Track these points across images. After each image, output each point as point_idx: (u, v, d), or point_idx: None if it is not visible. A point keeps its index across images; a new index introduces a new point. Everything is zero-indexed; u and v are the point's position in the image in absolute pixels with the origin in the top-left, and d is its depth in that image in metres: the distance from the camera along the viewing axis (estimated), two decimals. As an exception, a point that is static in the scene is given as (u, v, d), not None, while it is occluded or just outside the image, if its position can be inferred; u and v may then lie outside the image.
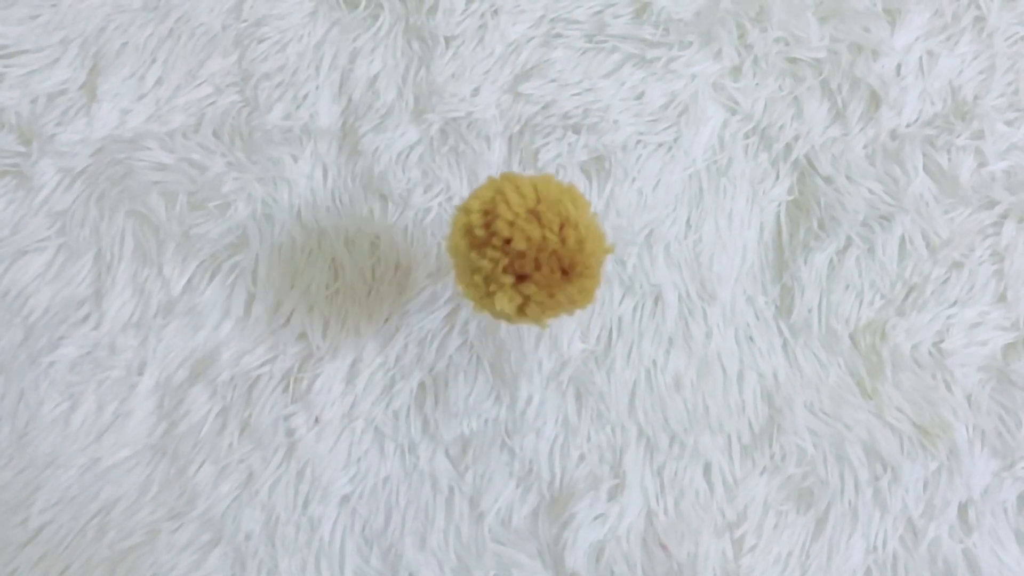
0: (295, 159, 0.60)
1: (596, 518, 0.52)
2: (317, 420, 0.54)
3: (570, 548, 0.52)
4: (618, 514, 0.52)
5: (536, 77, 0.61)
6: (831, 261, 0.57)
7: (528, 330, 0.56)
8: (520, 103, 0.60)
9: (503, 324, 0.56)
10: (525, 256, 0.42)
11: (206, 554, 0.52)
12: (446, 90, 0.61)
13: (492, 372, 0.55)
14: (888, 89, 0.59)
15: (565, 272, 0.43)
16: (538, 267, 0.42)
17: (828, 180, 0.58)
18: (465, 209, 0.45)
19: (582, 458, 0.54)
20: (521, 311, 0.44)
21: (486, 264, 0.43)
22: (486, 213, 0.44)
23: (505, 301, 0.43)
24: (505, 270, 0.42)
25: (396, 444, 0.54)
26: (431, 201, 0.58)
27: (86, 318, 0.56)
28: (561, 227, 0.43)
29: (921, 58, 0.61)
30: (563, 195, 0.45)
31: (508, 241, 0.43)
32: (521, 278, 0.43)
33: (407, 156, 0.59)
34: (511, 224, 0.43)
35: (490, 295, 0.43)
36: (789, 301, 0.56)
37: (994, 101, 0.59)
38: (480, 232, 0.43)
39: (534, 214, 0.43)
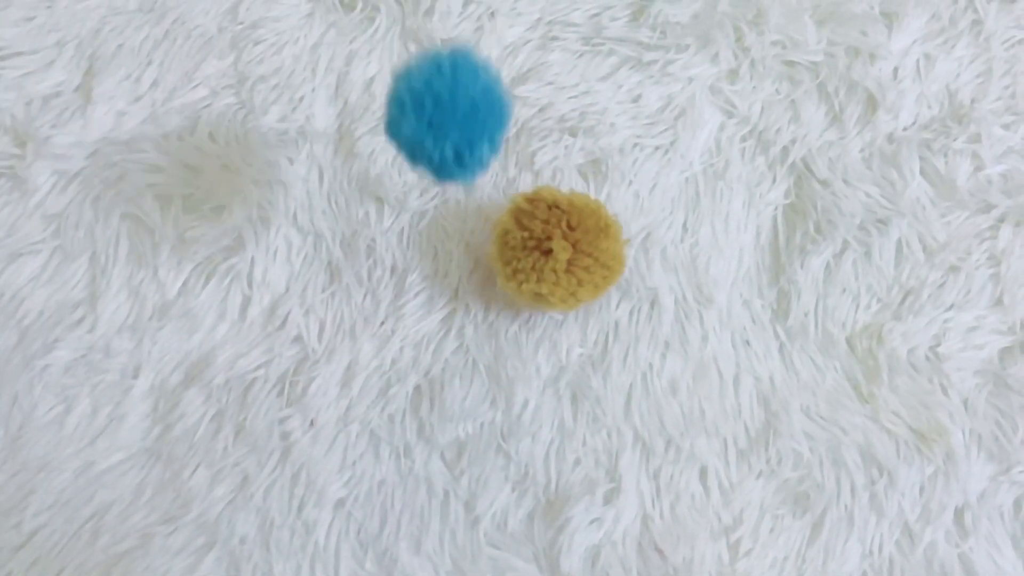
0: (291, 162, 0.59)
1: (592, 522, 0.52)
2: (312, 423, 0.54)
3: (566, 552, 0.51)
4: (614, 518, 0.52)
5: (533, 80, 0.61)
6: (828, 265, 0.57)
7: (526, 334, 0.56)
8: (517, 106, 0.60)
9: (501, 329, 0.56)
10: (570, 212, 0.50)
11: (200, 558, 0.51)
12: (442, 93, 0.61)
13: (488, 376, 0.55)
14: (885, 92, 0.59)
15: (602, 230, 0.51)
16: (581, 220, 0.50)
17: (825, 184, 0.58)
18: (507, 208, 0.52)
19: (578, 462, 0.53)
20: (571, 265, 0.50)
21: (537, 224, 0.50)
22: (529, 199, 0.51)
23: (560, 249, 0.49)
24: (554, 226, 0.50)
25: (391, 448, 0.54)
26: (427, 204, 0.58)
27: (81, 321, 0.56)
28: (595, 201, 0.52)
29: (918, 61, 0.61)
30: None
31: (552, 206, 0.50)
32: (566, 231, 0.50)
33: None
34: (552, 193, 0.51)
35: (544, 252, 0.50)
36: (785, 305, 0.56)
37: (991, 105, 0.59)
38: (526, 207, 0.51)
39: (571, 195, 0.52)
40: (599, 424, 0.54)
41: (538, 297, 0.51)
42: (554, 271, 0.50)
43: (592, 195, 0.58)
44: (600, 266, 0.51)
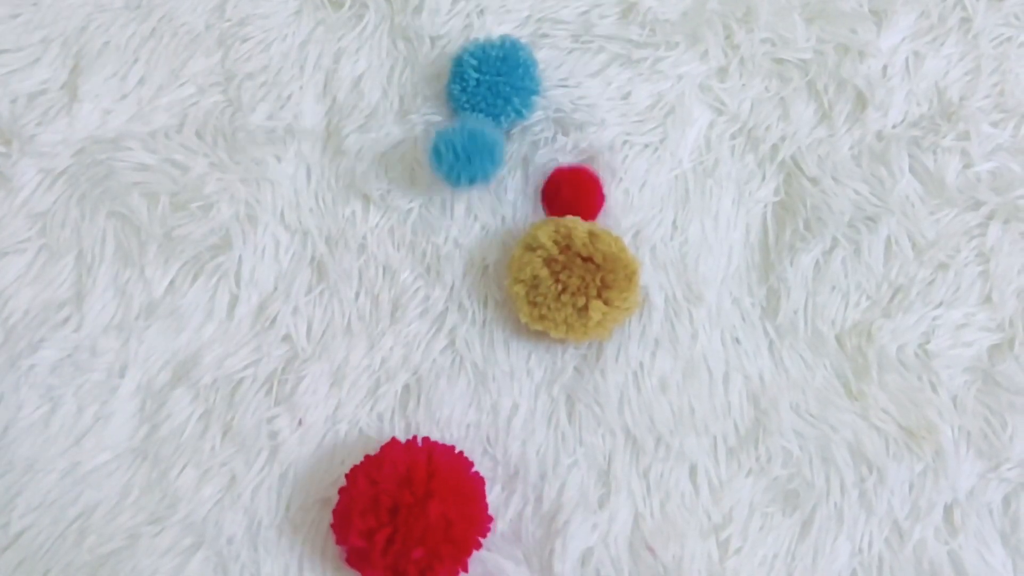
0: (278, 159, 0.59)
1: (587, 526, 0.52)
2: (300, 423, 0.54)
3: (559, 556, 0.51)
4: (608, 520, 0.52)
5: (522, 77, 0.60)
6: (817, 262, 0.57)
7: (516, 334, 0.55)
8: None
9: (493, 329, 0.56)
10: (603, 268, 0.52)
11: (188, 558, 0.51)
12: (430, 90, 0.60)
13: (480, 377, 0.55)
14: (874, 90, 0.59)
15: (629, 278, 0.53)
16: (614, 276, 0.52)
17: (814, 181, 0.58)
18: (528, 245, 0.53)
19: (572, 464, 0.53)
20: (603, 321, 0.52)
21: (574, 281, 0.52)
22: (557, 242, 0.52)
23: (595, 310, 0.51)
24: (590, 284, 0.52)
25: (380, 447, 0.53)
26: (412, 203, 0.58)
27: (67, 320, 0.56)
28: (616, 239, 0.53)
29: (907, 59, 0.61)
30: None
31: (586, 259, 0.52)
32: (600, 289, 0.52)
33: (390, 156, 0.59)
34: (585, 244, 0.52)
35: (579, 310, 0.52)
36: (775, 302, 0.56)
37: (980, 102, 0.59)
38: (560, 257, 0.52)
39: (593, 234, 0.53)
40: (592, 424, 0.54)
41: (561, 339, 0.54)
42: (584, 325, 0.52)
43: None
44: (624, 311, 0.53)
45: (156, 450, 0.53)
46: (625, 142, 0.60)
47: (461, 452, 0.51)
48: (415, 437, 0.52)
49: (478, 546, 0.49)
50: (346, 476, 0.50)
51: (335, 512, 0.50)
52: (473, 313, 0.56)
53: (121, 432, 0.54)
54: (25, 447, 0.53)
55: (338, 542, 0.50)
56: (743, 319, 0.56)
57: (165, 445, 0.53)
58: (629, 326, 0.56)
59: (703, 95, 0.60)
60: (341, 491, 0.50)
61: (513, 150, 0.59)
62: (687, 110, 0.60)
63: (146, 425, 0.54)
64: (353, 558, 0.49)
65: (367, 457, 0.50)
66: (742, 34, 0.61)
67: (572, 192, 0.56)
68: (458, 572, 0.49)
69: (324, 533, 0.52)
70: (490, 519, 0.50)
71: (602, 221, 0.57)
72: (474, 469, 0.51)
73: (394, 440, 0.52)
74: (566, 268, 0.52)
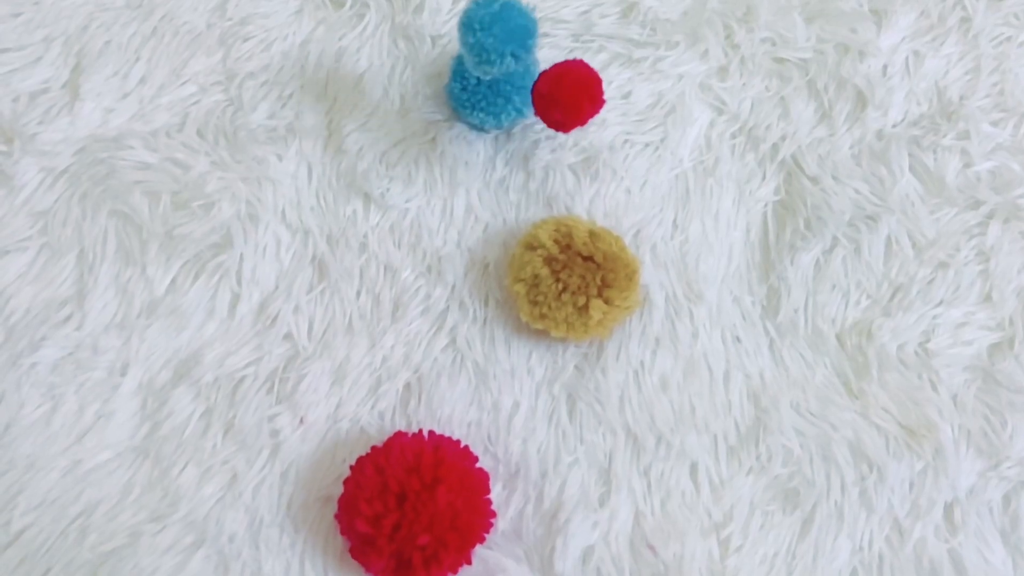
0: (280, 158, 0.59)
1: (588, 524, 0.52)
2: (302, 421, 0.54)
3: (560, 554, 0.51)
4: (609, 518, 0.52)
5: (523, 77, 0.61)
6: (817, 261, 0.57)
7: (517, 333, 0.56)
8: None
9: (494, 328, 0.56)
10: (604, 267, 0.52)
11: (189, 556, 0.51)
12: (431, 89, 0.60)
13: (481, 376, 0.55)
14: (874, 89, 0.60)
15: (629, 277, 0.53)
16: (615, 275, 0.52)
17: (814, 180, 0.58)
18: (528, 244, 0.53)
19: (573, 462, 0.53)
20: (603, 320, 0.52)
21: (574, 280, 0.52)
22: (558, 241, 0.53)
23: (595, 308, 0.51)
24: (590, 283, 0.52)
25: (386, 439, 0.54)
26: (411, 202, 0.58)
27: (68, 318, 0.56)
28: (616, 239, 0.53)
29: (907, 59, 0.61)
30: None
31: (587, 258, 0.52)
32: (600, 288, 0.52)
33: (391, 155, 0.59)
34: (585, 243, 0.52)
35: (579, 309, 0.52)
36: (775, 301, 0.56)
37: (979, 102, 0.60)
38: (560, 256, 0.52)
39: (593, 233, 0.53)
40: (593, 422, 0.54)
41: (562, 337, 0.54)
42: (585, 324, 0.52)
43: (583, 191, 0.58)
44: (624, 310, 0.53)
45: (157, 448, 0.53)
46: (626, 141, 0.60)
47: (467, 446, 0.51)
48: (421, 430, 0.52)
49: (482, 539, 0.49)
50: (351, 467, 0.50)
51: (340, 501, 0.50)
52: (474, 312, 0.56)
53: (122, 430, 0.54)
54: (26, 445, 0.53)
55: (342, 532, 0.50)
56: (743, 318, 0.56)
57: (166, 443, 0.53)
58: (630, 325, 0.56)
59: (703, 94, 0.61)
60: (346, 481, 0.50)
61: (513, 149, 0.59)
62: (687, 109, 0.60)
63: (147, 423, 0.54)
64: (357, 547, 0.48)
65: (374, 447, 0.50)
66: (742, 33, 0.61)
67: (574, 83, 0.51)
68: (461, 563, 0.49)
69: (325, 531, 0.52)
70: (494, 514, 0.50)
71: (602, 222, 0.57)
72: (478, 464, 0.51)
73: (400, 432, 0.52)
74: (566, 267, 0.52)
